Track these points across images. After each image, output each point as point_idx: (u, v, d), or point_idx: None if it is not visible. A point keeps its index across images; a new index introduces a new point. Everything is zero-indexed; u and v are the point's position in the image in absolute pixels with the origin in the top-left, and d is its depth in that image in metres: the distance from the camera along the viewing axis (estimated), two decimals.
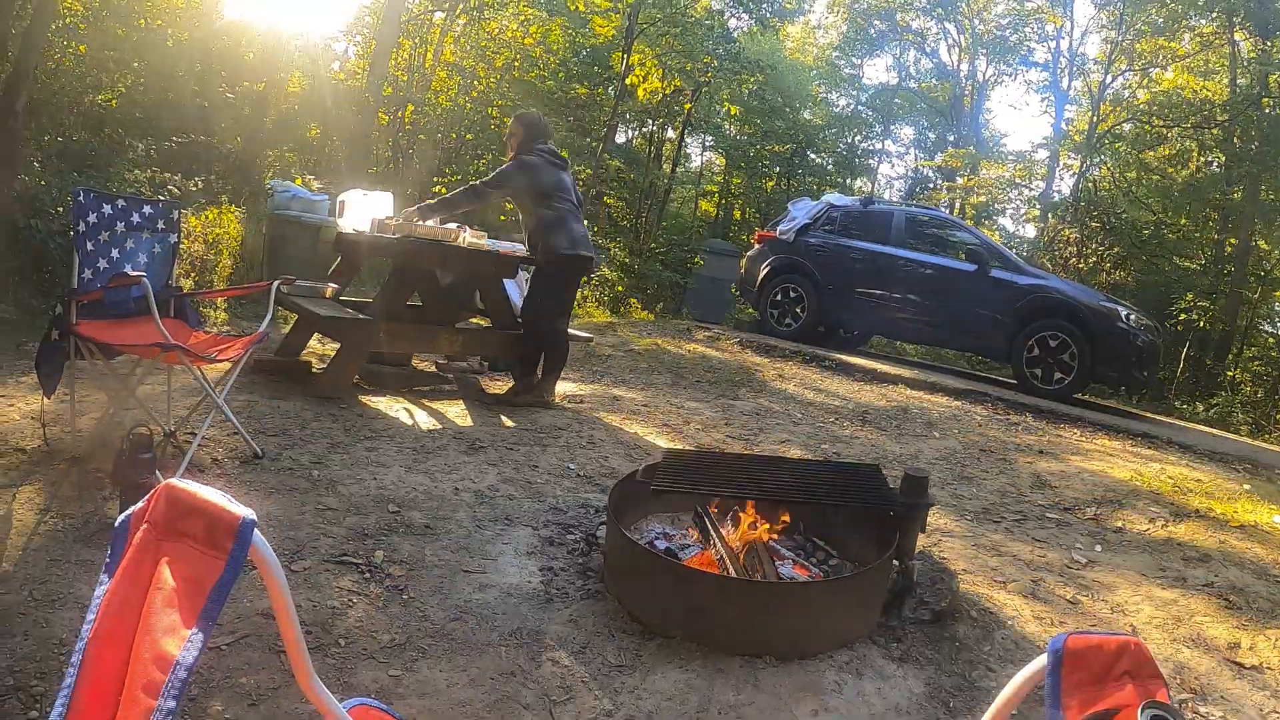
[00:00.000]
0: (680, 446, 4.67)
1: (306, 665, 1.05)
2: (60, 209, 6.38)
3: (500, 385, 5.71)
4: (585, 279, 7.46)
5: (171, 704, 0.80)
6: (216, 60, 11.88)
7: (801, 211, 10.09)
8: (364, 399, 4.75)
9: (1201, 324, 16.24)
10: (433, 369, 6.05)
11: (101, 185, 7.60)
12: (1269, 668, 2.92)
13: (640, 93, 17.51)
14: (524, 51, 16.24)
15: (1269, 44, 16.82)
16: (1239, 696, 2.72)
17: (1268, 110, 16.28)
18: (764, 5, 23.96)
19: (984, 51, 26.50)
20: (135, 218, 3.79)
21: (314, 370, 5.10)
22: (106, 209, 3.68)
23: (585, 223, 5.38)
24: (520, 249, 5.39)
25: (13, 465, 3.32)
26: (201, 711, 2.13)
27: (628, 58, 16.10)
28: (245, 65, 12.57)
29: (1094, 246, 16.74)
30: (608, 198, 18.83)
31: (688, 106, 19.30)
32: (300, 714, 2.17)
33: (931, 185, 27.59)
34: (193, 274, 7.53)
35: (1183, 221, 18.64)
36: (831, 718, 2.39)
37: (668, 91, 18.12)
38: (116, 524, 0.93)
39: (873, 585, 2.85)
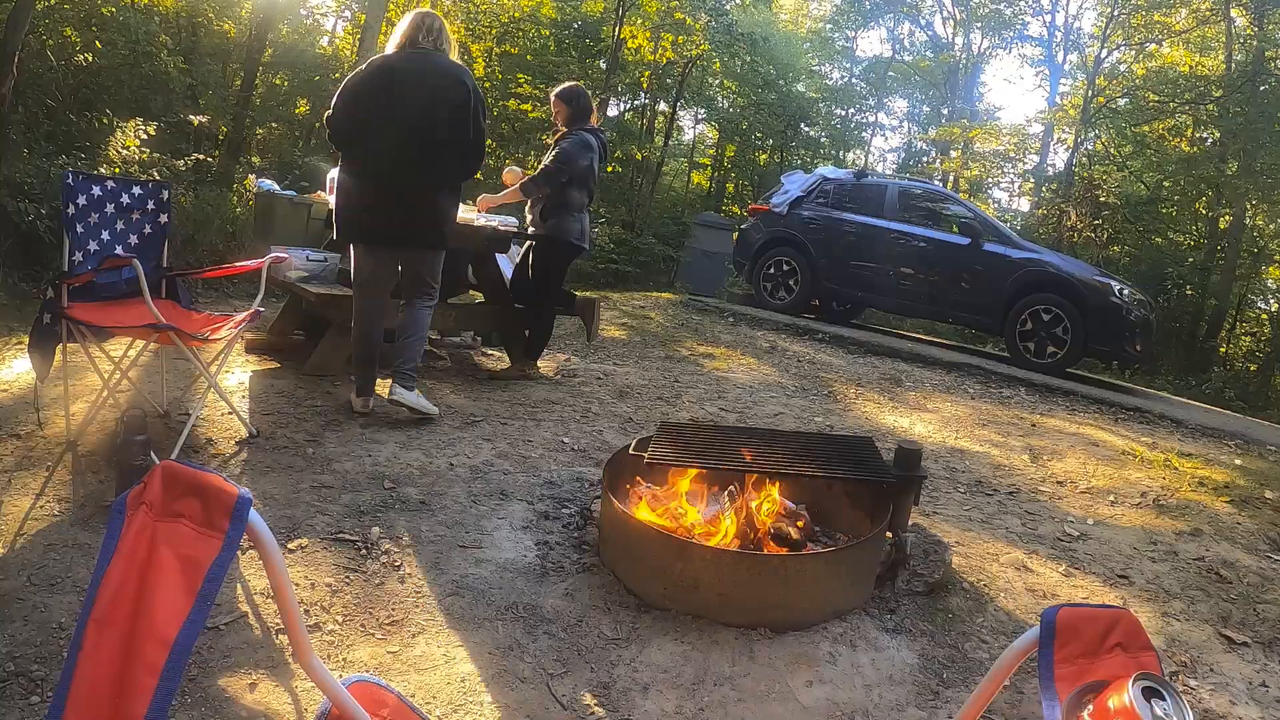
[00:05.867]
0: (674, 420, 4.69)
1: (305, 643, 1.05)
2: (30, 188, 6.33)
3: (493, 359, 5.71)
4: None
5: (171, 684, 0.80)
6: (204, 36, 11.78)
7: (795, 184, 10.05)
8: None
9: (1206, 301, 16.29)
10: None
11: (90, 167, 7.55)
12: (1259, 641, 2.95)
13: (632, 59, 17.41)
14: (514, 24, 16.09)
15: (1265, 20, 16.75)
16: (1229, 669, 2.75)
17: (1263, 88, 16.23)
18: None
19: (978, 24, 26.31)
20: (125, 199, 3.77)
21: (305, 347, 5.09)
22: (96, 191, 3.66)
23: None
24: (510, 222, 5.35)
25: (7, 450, 3.31)
26: (201, 690, 2.14)
27: (619, 29, 15.97)
28: (232, 41, 12.47)
29: (1088, 220, 16.72)
30: (609, 166, 18.75)
31: (679, 69, 19.14)
32: (300, 691, 2.19)
33: (925, 158, 27.51)
34: (183, 252, 7.50)
35: (1176, 196, 18.65)
36: (826, 688, 2.41)
37: (662, 63, 17.99)
38: (113, 506, 0.93)
39: (866, 557, 2.87)
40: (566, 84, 5.26)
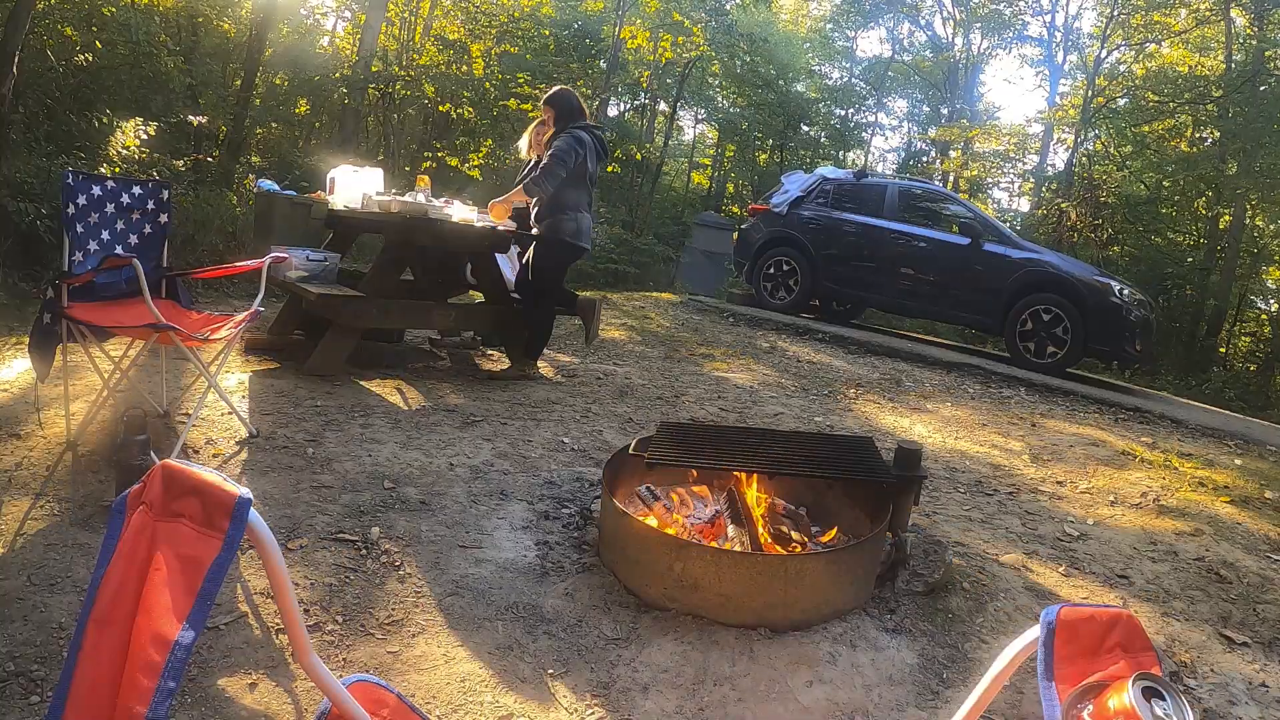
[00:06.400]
0: (674, 419, 4.68)
1: (305, 643, 1.05)
2: (30, 188, 6.33)
3: (493, 359, 5.71)
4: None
5: (171, 684, 0.80)
6: (204, 36, 11.77)
7: (795, 184, 10.05)
8: (357, 376, 4.74)
9: (1206, 301, 16.26)
10: (426, 345, 6.04)
11: (91, 166, 7.54)
12: (1259, 641, 2.95)
13: (632, 60, 17.42)
14: (514, 24, 16.08)
15: (1265, 20, 16.75)
16: (1229, 669, 2.75)
17: (1263, 88, 16.23)
18: None
19: (978, 24, 26.31)
20: (125, 199, 3.77)
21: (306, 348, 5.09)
22: (96, 190, 3.66)
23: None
24: (508, 223, 5.36)
25: (7, 450, 3.31)
26: (201, 690, 2.14)
27: (619, 29, 15.97)
28: (232, 41, 12.47)
29: (1088, 220, 16.72)
30: (609, 166, 18.75)
31: (679, 69, 19.13)
32: (299, 691, 2.19)
33: (925, 158, 27.52)
34: (183, 252, 7.49)
35: (1176, 196, 18.66)
36: (826, 689, 2.41)
37: (662, 62, 18.00)
38: (113, 506, 0.93)
39: (866, 557, 2.86)
40: (553, 89, 5.34)
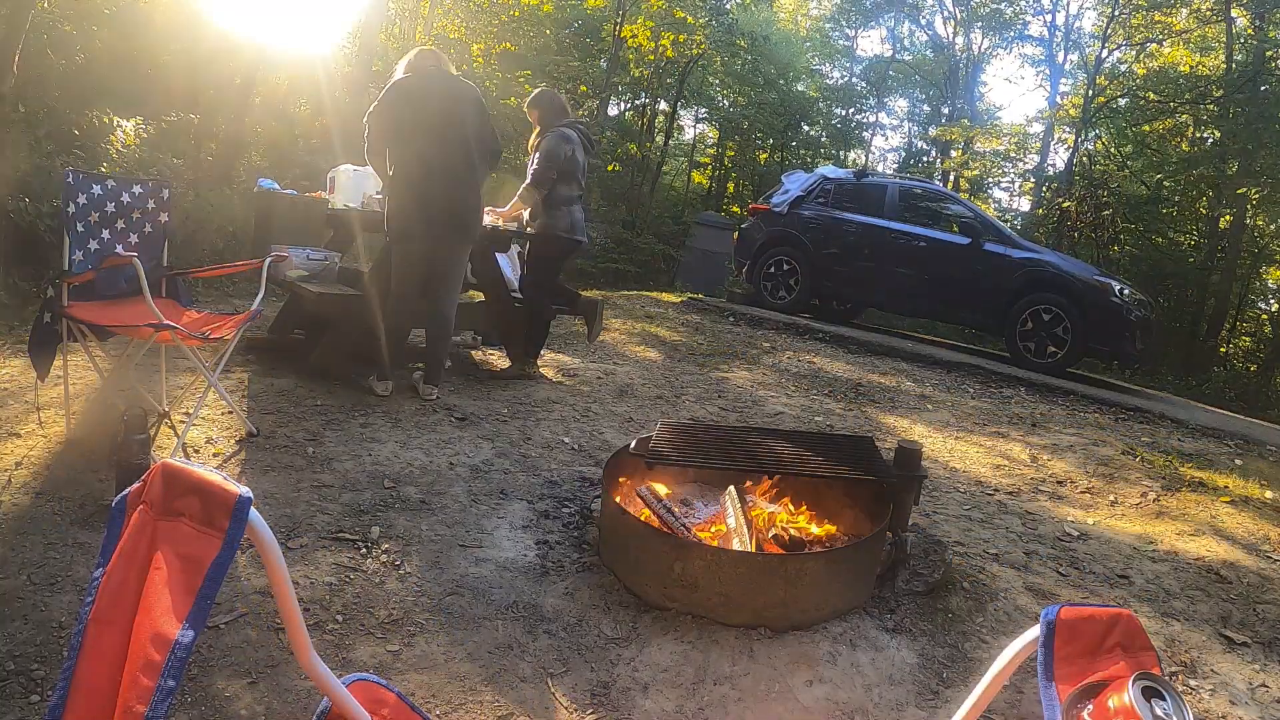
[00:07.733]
0: (674, 419, 4.68)
1: (305, 642, 1.05)
2: (30, 187, 6.32)
3: (494, 358, 5.71)
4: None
5: (171, 683, 0.80)
6: (204, 38, 11.75)
7: (795, 184, 10.05)
8: (357, 376, 4.74)
9: (1206, 301, 16.27)
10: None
11: (91, 165, 7.53)
12: (1259, 641, 2.95)
13: (633, 60, 17.41)
14: (514, 23, 16.08)
15: (1265, 20, 16.75)
16: (1229, 670, 2.75)
17: (1263, 88, 16.23)
18: None
19: (979, 24, 26.29)
20: (125, 198, 3.77)
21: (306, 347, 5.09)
22: (96, 189, 3.66)
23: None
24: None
25: (7, 450, 3.31)
26: (201, 689, 2.14)
27: (619, 28, 15.96)
28: (231, 39, 12.44)
29: (1089, 220, 16.71)
30: (610, 165, 18.73)
31: (679, 68, 19.10)
32: (299, 690, 2.18)
33: (926, 158, 27.51)
34: (183, 252, 7.49)
35: (1176, 196, 18.66)
36: (826, 688, 2.41)
37: (662, 62, 17.99)
38: (113, 505, 0.93)
39: (867, 557, 2.86)
40: (535, 92, 5.37)
